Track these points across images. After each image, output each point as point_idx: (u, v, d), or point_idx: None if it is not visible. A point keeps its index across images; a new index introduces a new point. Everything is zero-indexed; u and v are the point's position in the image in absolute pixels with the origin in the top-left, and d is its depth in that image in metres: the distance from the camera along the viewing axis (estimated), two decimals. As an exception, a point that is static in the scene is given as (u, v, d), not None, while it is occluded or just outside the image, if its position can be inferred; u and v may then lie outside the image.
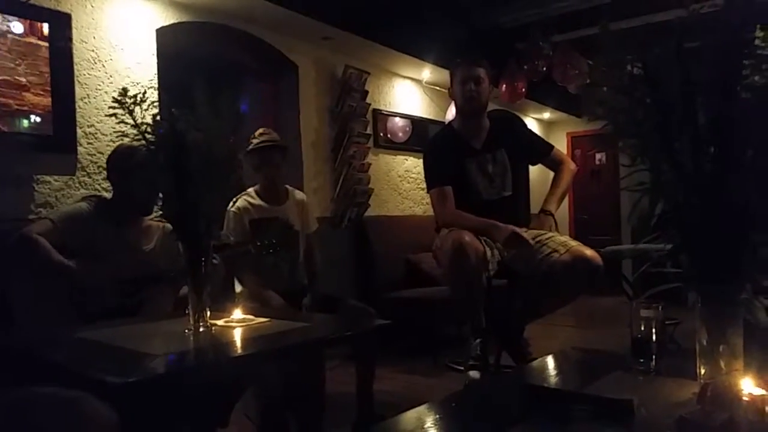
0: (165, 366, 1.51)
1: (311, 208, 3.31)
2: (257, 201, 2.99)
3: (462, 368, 2.71)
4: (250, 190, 3.04)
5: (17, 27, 2.68)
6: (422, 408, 1.21)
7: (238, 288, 2.96)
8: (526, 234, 2.63)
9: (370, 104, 5.00)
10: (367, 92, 4.92)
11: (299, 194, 3.20)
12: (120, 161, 2.52)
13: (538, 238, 2.66)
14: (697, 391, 1.06)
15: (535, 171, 3.07)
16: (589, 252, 2.55)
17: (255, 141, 3.00)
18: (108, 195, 2.67)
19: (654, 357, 1.34)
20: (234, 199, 2.96)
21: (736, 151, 1.11)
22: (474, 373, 2.58)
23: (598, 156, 8.01)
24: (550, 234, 2.70)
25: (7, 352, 1.78)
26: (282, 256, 2.87)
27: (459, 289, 2.64)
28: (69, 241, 2.35)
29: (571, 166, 2.98)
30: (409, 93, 5.57)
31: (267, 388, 2.47)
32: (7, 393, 1.10)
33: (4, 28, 2.64)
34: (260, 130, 3.07)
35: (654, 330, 1.34)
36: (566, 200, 5.93)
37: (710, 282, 1.15)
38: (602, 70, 1.29)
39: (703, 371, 1.19)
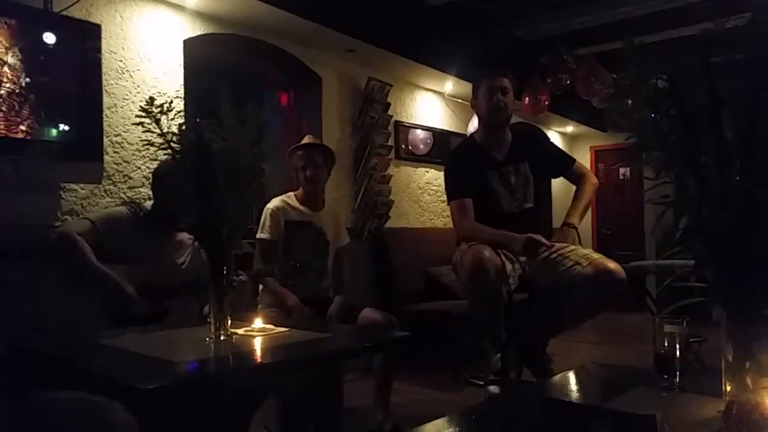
0: (185, 373, 1.52)
1: (342, 221, 3.34)
2: (295, 203, 3.03)
3: (482, 383, 2.68)
4: (291, 193, 3.08)
5: (49, 37, 2.75)
6: (441, 421, 1.20)
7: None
8: (544, 239, 2.60)
9: (392, 116, 5.01)
10: (389, 104, 4.93)
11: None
12: (159, 171, 2.58)
13: (560, 251, 2.64)
14: (722, 408, 1.04)
15: (557, 184, 3.05)
16: (612, 265, 2.52)
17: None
18: (148, 205, 2.71)
19: (678, 373, 1.31)
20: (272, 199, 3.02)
21: (763, 165, 1.09)
22: (494, 388, 2.56)
23: (621, 171, 7.93)
24: (573, 247, 2.68)
25: (33, 354, 1.81)
26: (311, 263, 2.88)
27: (477, 306, 2.63)
28: (106, 243, 2.39)
29: (593, 179, 2.97)
30: (431, 105, 5.58)
31: (286, 398, 2.47)
32: (31, 397, 1.11)
33: (37, 38, 2.71)
34: (307, 136, 3.19)
35: (678, 345, 1.31)
36: (589, 215, 5.86)
37: (736, 296, 1.13)
38: (626, 83, 1.28)
39: (728, 388, 1.16)
